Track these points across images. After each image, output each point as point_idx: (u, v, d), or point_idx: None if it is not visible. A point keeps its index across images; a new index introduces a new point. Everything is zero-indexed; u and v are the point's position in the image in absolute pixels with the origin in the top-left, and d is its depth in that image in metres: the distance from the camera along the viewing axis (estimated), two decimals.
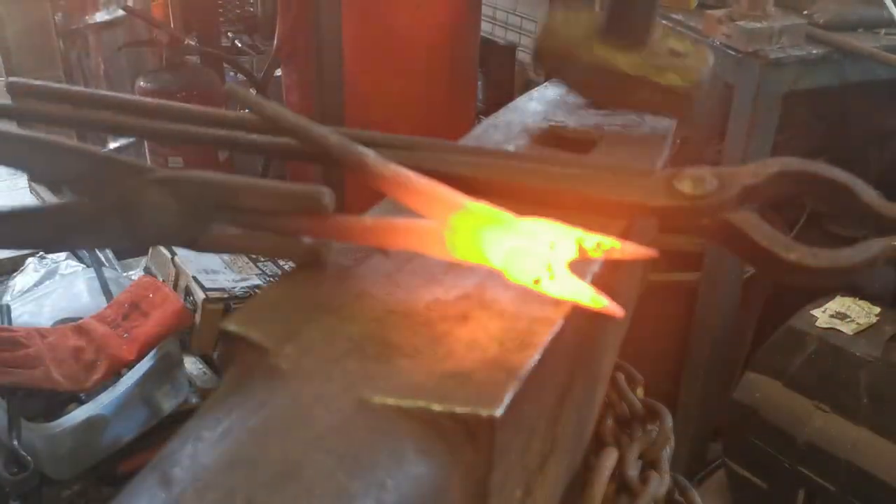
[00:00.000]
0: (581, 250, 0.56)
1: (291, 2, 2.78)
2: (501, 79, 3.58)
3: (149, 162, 3.12)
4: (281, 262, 2.63)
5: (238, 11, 3.98)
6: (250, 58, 3.73)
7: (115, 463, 2.12)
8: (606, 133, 0.86)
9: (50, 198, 3.42)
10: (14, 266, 2.87)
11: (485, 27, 3.56)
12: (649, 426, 0.87)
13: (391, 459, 0.46)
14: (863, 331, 2.01)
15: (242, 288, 2.43)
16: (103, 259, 2.90)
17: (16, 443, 1.93)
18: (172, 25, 3.35)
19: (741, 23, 1.82)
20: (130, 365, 2.15)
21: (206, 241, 0.60)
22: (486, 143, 0.80)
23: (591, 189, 0.71)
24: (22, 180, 3.67)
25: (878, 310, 2.06)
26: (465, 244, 0.55)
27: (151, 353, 2.19)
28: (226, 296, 2.34)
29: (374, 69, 2.70)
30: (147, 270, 2.93)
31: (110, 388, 2.11)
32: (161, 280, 2.78)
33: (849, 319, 2.04)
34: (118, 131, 0.67)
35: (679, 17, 2.03)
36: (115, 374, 2.13)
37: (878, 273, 2.12)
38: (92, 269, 2.76)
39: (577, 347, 0.65)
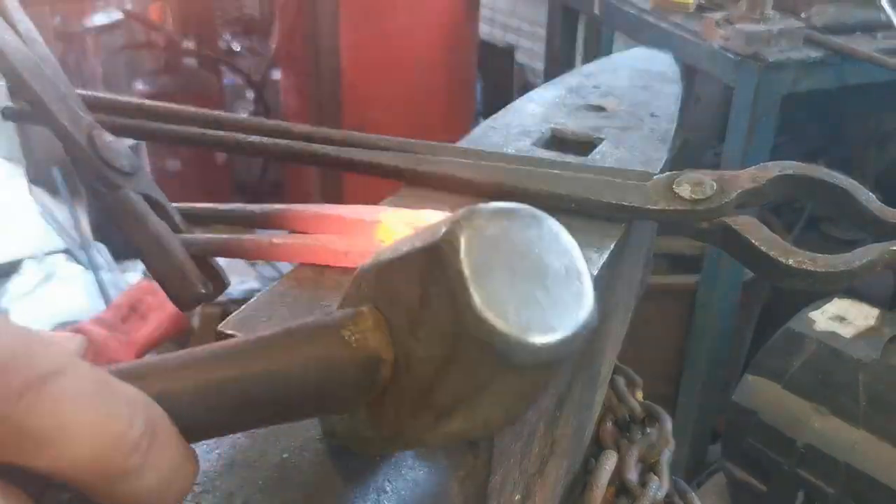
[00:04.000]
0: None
1: (289, 4, 2.77)
2: (500, 80, 3.59)
3: (147, 164, 3.12)
4: (279, 265, 2.63)
5: (235, 14, 3.98)
6: (248, 60, 3.73)
7: None
8: (606, 135, 0.86)
9: (49, 201, 3.42)
10: (11, 269, 2.87)
11: (483, 29, 3.57)
12: (649, 429, 0.87)
13: (390, 463, 0.46)
14: (861, 333, 2.00)
15: (240, 291, 2.43)
16: (101, 262, 2.90)
17: None
18: (170, 28, 3.35)
19: (740, 25, 1.82)
20: None
21: None
22: (484, 145, 0.79)
23: (590, 192, 0.71)
24: (21, 180, 3.67)
25: (876, 312, 2.05)
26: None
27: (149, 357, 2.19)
28: (224, 299, 2.33)
29: (371, 71, 2.70)
30: (145, 273, 2.93)
31: None
32: None
33: (847, 322, 2.04)
34: (117, 133, 0.67)
35: (678, 20, 2.03)
36: None
37: (876, 276, 2.12)
38: (90, 273, 2.76)
39: None
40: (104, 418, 0.30)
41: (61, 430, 0.29)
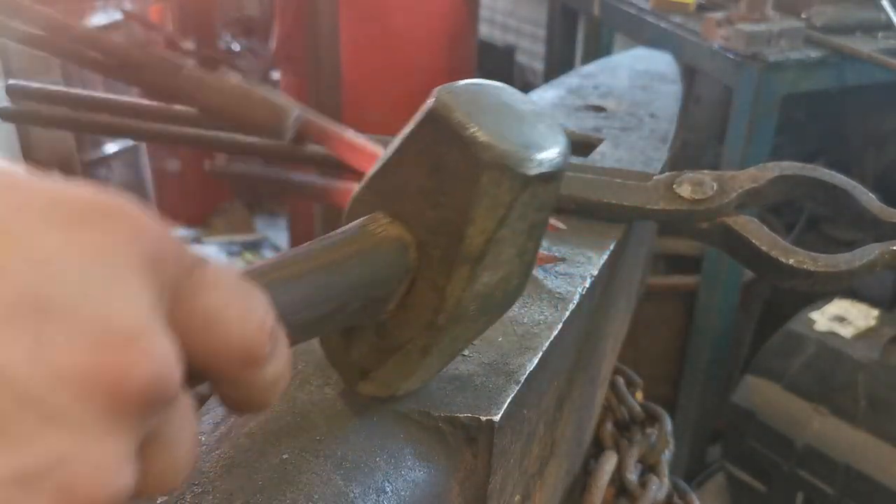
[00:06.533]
0: None
1: (289, 4, 2.77)
2: (500, 80, 3.58)
3: (146, 164, 3.12)
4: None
5: (235, 14, 3.97)
6: (248, 60, 3.72)
7: None
8: (606, 135, 0.86)
9: None
10: None
11: (483, 29, 3.56)
12: (649, 430, 0.87)
13: (390, 464, 0.45)
14: (861, 333, 2.00)
15: None
16: None
17: None
18: (170, 28, 3.35)
19: (740, 26, 1.82)
20: None
21: None
22: None
23: (590, 192, 0.71)
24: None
25: (876, 312, 2.05)
26: None
27: None
28: None
29: (371, 71, 2.70)
30: None
31: None
32: None
33: (847, 322, 2.04)
34: (115, 133, 0.67)
35: (678, 20, 2.03)
36: None
37: (876, 276, 2.12)
38: None
39: (576, 351, 0.65)
40: (250, 305, 0.32)
41: (223, 309, 0.31)
